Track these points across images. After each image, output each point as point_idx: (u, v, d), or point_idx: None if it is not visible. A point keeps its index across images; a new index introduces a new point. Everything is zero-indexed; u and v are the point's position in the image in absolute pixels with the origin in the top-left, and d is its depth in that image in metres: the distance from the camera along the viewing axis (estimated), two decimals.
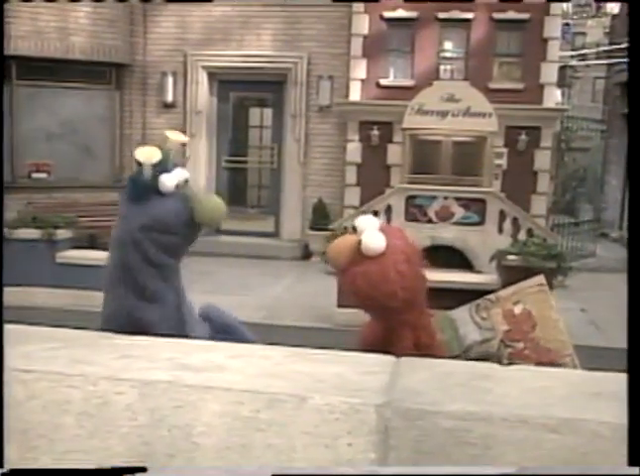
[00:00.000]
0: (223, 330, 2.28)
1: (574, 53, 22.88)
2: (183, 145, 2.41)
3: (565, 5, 19.56)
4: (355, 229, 1.95)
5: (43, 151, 11.09)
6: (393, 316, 1.95)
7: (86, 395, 1.30)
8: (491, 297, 2.12)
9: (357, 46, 11.05)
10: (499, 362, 1.96)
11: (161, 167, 2.09)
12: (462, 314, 2.11)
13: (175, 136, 2.23)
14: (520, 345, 2.04)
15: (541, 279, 2.15)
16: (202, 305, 2.37)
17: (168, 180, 2.08)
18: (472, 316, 2.09)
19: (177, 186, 2.11)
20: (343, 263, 1.93)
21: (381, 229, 1.95)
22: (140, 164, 2.07)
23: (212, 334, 2.25)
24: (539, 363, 1.99)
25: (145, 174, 2.06)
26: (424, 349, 1.90)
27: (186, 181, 2.15)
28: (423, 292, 2.01)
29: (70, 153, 11.34)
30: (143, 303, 2.09)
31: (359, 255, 1.89)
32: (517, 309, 2.08)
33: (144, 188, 2.07)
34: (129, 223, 2.08)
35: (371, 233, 1.91)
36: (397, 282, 1.88)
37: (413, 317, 1.95)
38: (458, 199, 9.73)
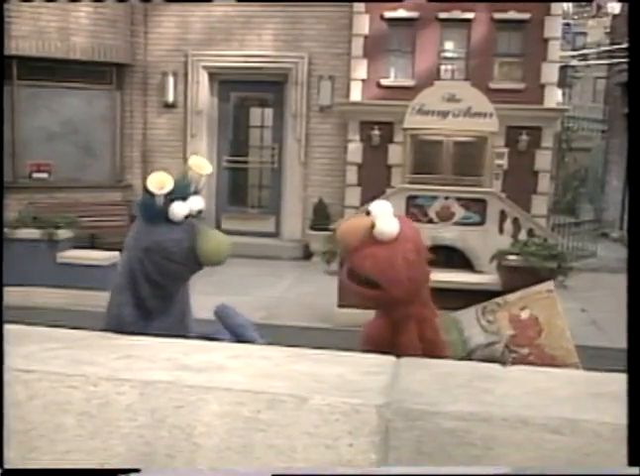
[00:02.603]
0: (234, 331, 2.26)
1: (574, 53, 22.86)
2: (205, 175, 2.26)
3: (565, 5, 19.56)
4: (368, 213, 1.94)
5: (43, 151, 11.09)
6: (398, 309, 1.93)
7: (87, 395, 1.30)
8: (499, 300, 2.09)
9: (357, 46, 11.05)
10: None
11: (177, 193, 2.04)
12: (468, 316, 2.08)
13: (199, 165, 2.13)
14: (525, 351, 2.01)
15: (550, 285, 2.11)
16: (217, 305, 2.34)
17: (179, 210, 2.03)
18: (478, 319, 2.06)
19: (189, 216, 2.06)
20: (353, 243, 1.90)
21: (395, 216, 1.93)
22: (149, 191, 2.01)
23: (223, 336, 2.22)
24: None
25: (157, 202, 2.01)
26: (428, 344, 1.89)
27: (200, 212, 2.09)
28: (427, 284, 1.99)
29: (71, 153, 11.34)
30: (141, 316, 2.08)
31: (370, 238, 1.87)
32: (524, 315, 2.05)
33: (154, 214, 2.03)
34: (138, 240, 2.08)
35: (386, 218, 1.89)
36: (404, 270, 1.86)
37: (417, 310, 1.94)
38: (458, 199, 9.72)
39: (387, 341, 1.87)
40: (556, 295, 2.09)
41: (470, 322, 2.06)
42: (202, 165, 2.14)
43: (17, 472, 1.27)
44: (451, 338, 2.02)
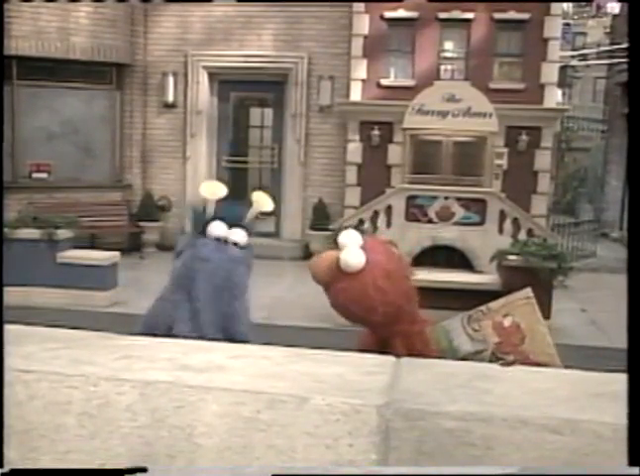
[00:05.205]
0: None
1: (574, 53, 22.89)
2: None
3: (565, 5, 19.57)
4: (337, 244, 1.97)
5: (43, 151, 11.09)
6: (383, 328, 1.97)
7: (87, 395, 1.30)
8: (483, 308, 2.12)
9: (357, 46, 11.05)
10: None
11: (224, 216, 2.15)
12: (455, 325, 2.10)
13: (261, 201, 2.27)
14: (510, 358, 2.03)
15: (528, 291, 2.13)
16: None
17: (215, 229, 2.13)
18: (464, 327, 2.08)
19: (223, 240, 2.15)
20: (323, 279, 1.95)
21: (363, 245, 1.95)
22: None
23: None
24: None
25: (207, 209, 2.15)
26: (417, 356, 1.90)
27: (235, 244, 2.17)
28: (410, 303, 2.01)
29: (71, 153, 11.34)
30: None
31: (339, 272, 1.90)
32: (507, 322, 2.07)
33: (199, 223, 2.17)
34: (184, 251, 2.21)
35: (349, 250, 1.91)
36: (377, 297, 1.89)
37: (404, 327, 1.97)
38: (458, 199, 9.73)
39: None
40: (534, 301, 2.11)
41: (457, 331, 2.08)
42: (264, 201, 2.28)
43: (21, 472, 1.27)
44: (441, 347, 2.04)
